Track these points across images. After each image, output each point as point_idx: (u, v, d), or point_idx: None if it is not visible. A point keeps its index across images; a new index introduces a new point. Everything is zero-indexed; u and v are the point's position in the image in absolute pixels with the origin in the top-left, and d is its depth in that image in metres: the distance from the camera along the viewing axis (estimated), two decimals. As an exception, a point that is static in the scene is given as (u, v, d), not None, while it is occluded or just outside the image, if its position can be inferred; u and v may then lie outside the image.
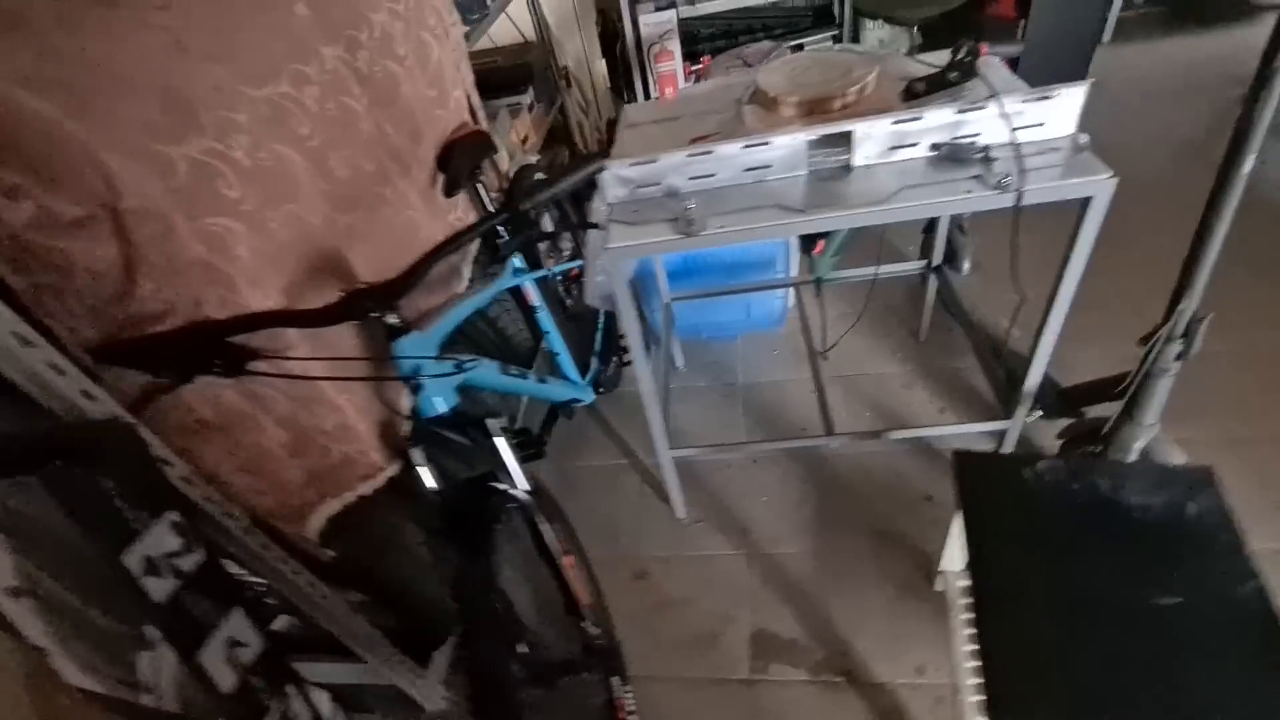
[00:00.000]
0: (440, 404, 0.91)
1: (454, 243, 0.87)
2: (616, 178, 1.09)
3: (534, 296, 1.45)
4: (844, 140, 1.04)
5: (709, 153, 1.06)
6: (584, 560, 1.20)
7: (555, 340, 1.50)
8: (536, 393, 1.31)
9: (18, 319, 0.61)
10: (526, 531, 0.99)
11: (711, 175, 1.08)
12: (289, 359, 0.83)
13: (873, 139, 1.03)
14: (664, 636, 1.36)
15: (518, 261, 1.39)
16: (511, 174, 1.64)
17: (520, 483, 0.95)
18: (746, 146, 1.04)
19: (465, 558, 0.95)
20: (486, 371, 1.09)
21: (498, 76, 2.12)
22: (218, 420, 0.84)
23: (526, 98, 2.19)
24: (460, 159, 1.25)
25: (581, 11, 2.45)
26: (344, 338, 0.93)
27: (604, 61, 2.50)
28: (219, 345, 0.78)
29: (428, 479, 0.91)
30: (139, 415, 0.74)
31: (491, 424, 0.93)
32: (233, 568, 0.87)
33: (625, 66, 2.26)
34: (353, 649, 1.07)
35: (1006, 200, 0.94)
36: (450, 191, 1.21)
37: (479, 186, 1.32)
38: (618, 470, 1.74)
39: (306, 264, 0.91)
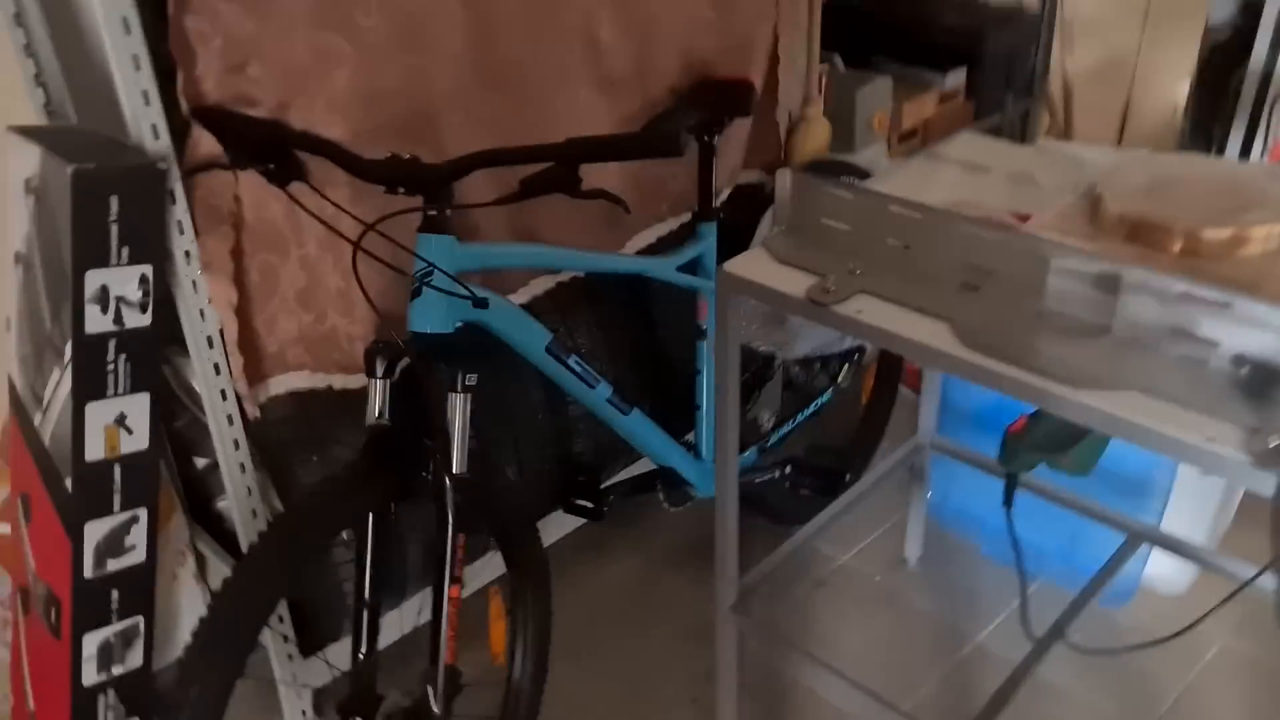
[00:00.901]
0: (427, 323, 1.30)
1: (566, 151, 1.21)
2: (798, 181, 1.34)
3: (707, 313, 1.77)
4: (1113, 286, 1.11)
5: (916, 215, 1.23)
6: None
7: (703, 388, 1.80)
8: (611, 422, 1.63)
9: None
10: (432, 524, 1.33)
11: (914, 249, 1.25)
12: (329, 202, 1.31)
13: (1146, 297, 1.08)
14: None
15: (710, 258, 1.73)
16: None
17: (455, 459, 1.30)
18: (965, 223, 1.19)
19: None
20: (517, 329, 1.44)
21: (922, 33, 2.49)
22: (253, 223, 1.38)
23: (952, 79, 2.49)
24: (686, 107, 1.64)
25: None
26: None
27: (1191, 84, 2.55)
28: (279, 149, 1.31)
29: (375, 400, 1.32)
30: (191, 177, 1.32)
31: (468, 377, 1.29)
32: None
33: (1231, 103, 2.23)
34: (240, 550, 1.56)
35: (1262, 484, 0.92)
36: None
37: (712, 145, 1.68)
38: (699, 627, 1.93)
39: (400, 123, 1.40)
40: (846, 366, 2.04)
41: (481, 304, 1.34)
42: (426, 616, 1.34)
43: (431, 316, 1.29)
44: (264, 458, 1.50)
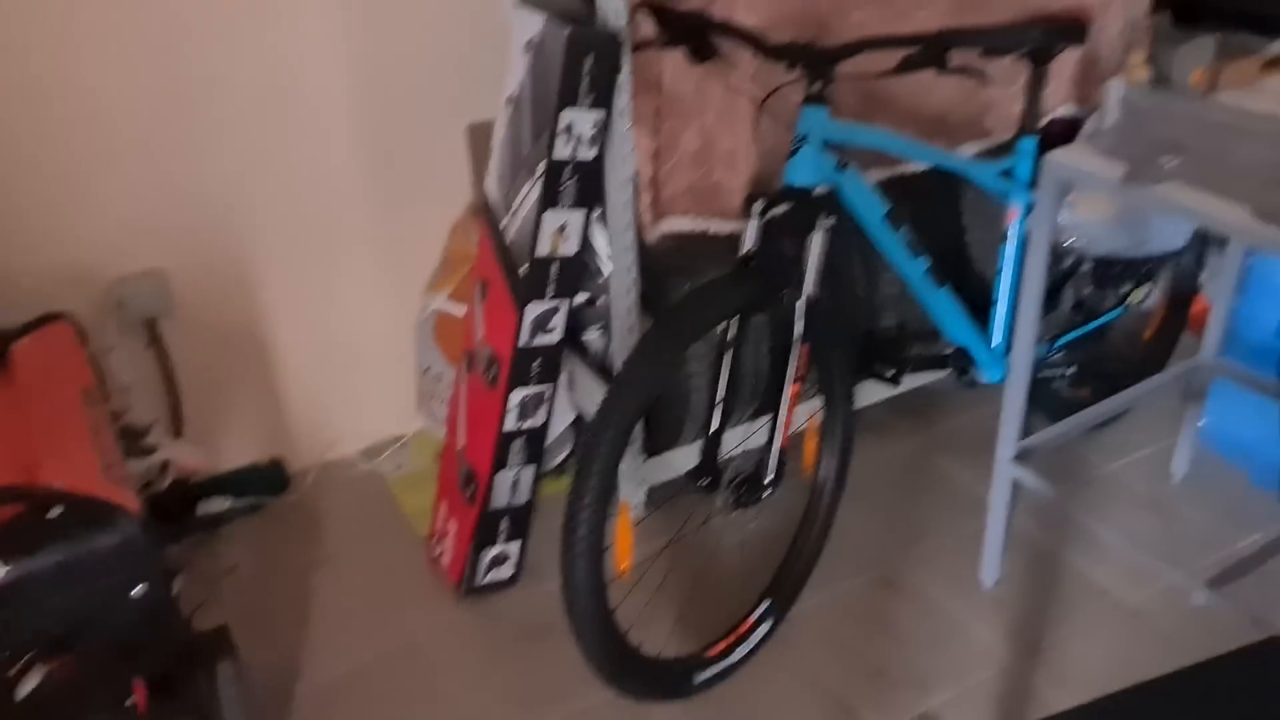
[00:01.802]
0: (799, 176, 1.65)
1: (930, 44, 1.54)
2: (1122, 100, 1.58)
3: (1015, 218, 2.03)
4: None
5: (1235, 118, 1.45)
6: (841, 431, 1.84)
7: (1003, 285, 2.06)
8: (923, 293, 1.93)
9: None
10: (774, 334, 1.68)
11: (1226, 149, 1.47)
12: (739, 74, 1.69)
13: None
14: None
15: (1025, 169, 1.99)
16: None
17: (808, 284, 1.65)
18: (1262, 119, 1.40)
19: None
20: (863, 196, 1.76)
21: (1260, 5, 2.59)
22: (669, 90, 1.79)
23: (1278, 46, 2.58)
24: (1027, 30, 1.90)
25: None
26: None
27: None
28: (701, 33, 1.70)
29: (748, 235, 1.70)
30: (638, 49, 1.73)
31: (827, 219, 1.63)
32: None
33: None
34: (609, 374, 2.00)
35: None
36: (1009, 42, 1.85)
37: (1045, 67, 1.93)
38: (969, 501, 2.21)
39: (796, 20, 1.75)
40: (1138, 289, 2.23)
41: (842, 169, 1.68)
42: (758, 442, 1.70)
43: (804, 171, 1.65)
44: (645, 283, 1.91)
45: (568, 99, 1.65)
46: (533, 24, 1.70)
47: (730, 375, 1.72)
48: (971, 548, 2.04)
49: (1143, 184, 1.47)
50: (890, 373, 2.12)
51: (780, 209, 1.67)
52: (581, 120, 1.67)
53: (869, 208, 1.78)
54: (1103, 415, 2.01)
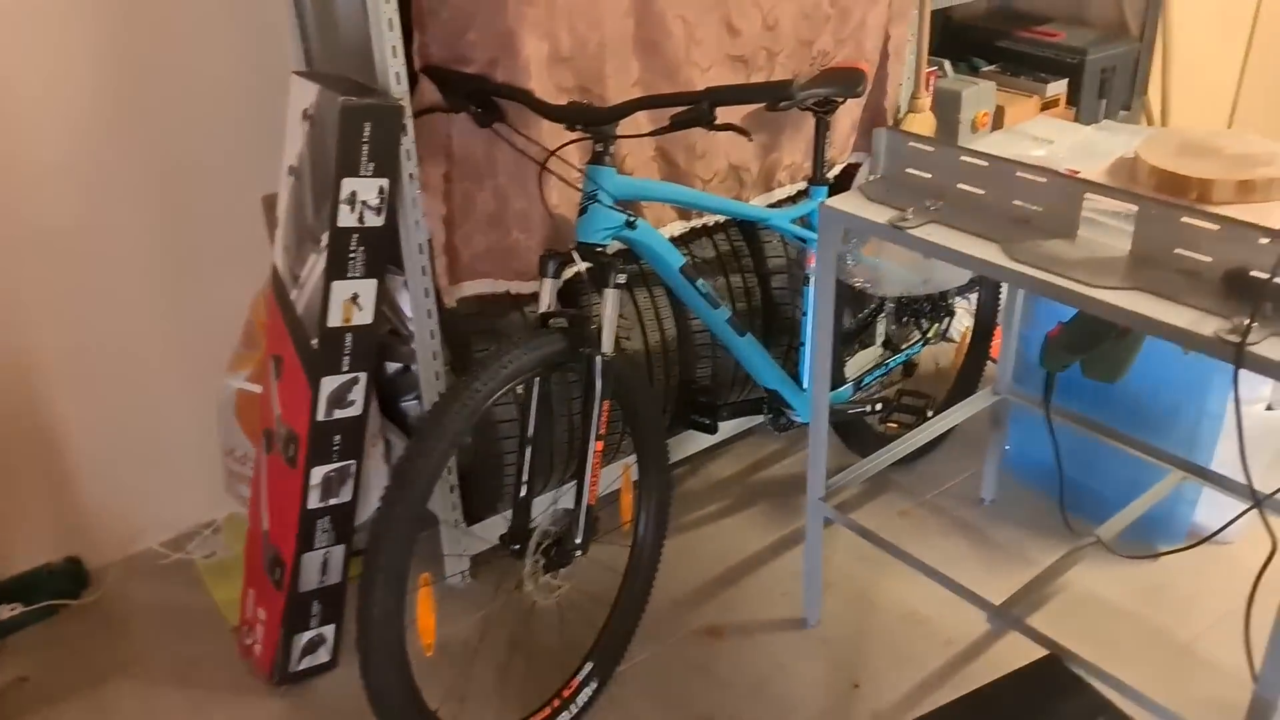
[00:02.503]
0: (590, 234, 1.68)
1: (695, 101, 1.58)
2: (891, 137, 1.67)
3: (813, 262, 2.10)
4: (1133, 216, 1.40)
5: (981, 164, 1.55)
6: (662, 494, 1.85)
7: (806, 330, 2.13)
8: (728, 342, 1.98)
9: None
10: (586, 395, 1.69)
11: (981, 191, 1.57)
12: (524, 136, 1.72)
13: (1156, 223, 1.37)
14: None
15: (817, 214, 2.07)
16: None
17: (605, 340, 1.66)
18: (1018, 167, 1.51)
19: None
20: (658, 249, 1.79)
21: (1029, 46, 2.81)
22: (458, 154, 1.79)
23: (1054, 88, 2.79)
24: (805, 85, 1.98)
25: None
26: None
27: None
28: (485, 97, 1.72)
29: (545, 295, 1.71)
30: (417, 118, 1.74)
31: (617, 276, 1.65)
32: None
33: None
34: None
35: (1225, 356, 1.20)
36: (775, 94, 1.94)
37: (826, 119, 2.03)
38: (793, 538, 2.26)
39: (577, 80, 1.79)
40: (935, 325, 2.34)
41: (632, 225, 1.72)
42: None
43: (594, 229, 1.67)
44: (449, 346, 1.90)
45: (348, 169, 1.63)
46: (308, 93, 1.68)
47: (535, 436, 1.71)
48: (794, 588, 2.08)
49: (906, 228, 1.55)
50: (706, 421, 2.15)
51: (575, 267, 1.69)
52: (365, 188, 1.66)
53: (664, 261, 1.82)
54: (908, 449, 2.08)
